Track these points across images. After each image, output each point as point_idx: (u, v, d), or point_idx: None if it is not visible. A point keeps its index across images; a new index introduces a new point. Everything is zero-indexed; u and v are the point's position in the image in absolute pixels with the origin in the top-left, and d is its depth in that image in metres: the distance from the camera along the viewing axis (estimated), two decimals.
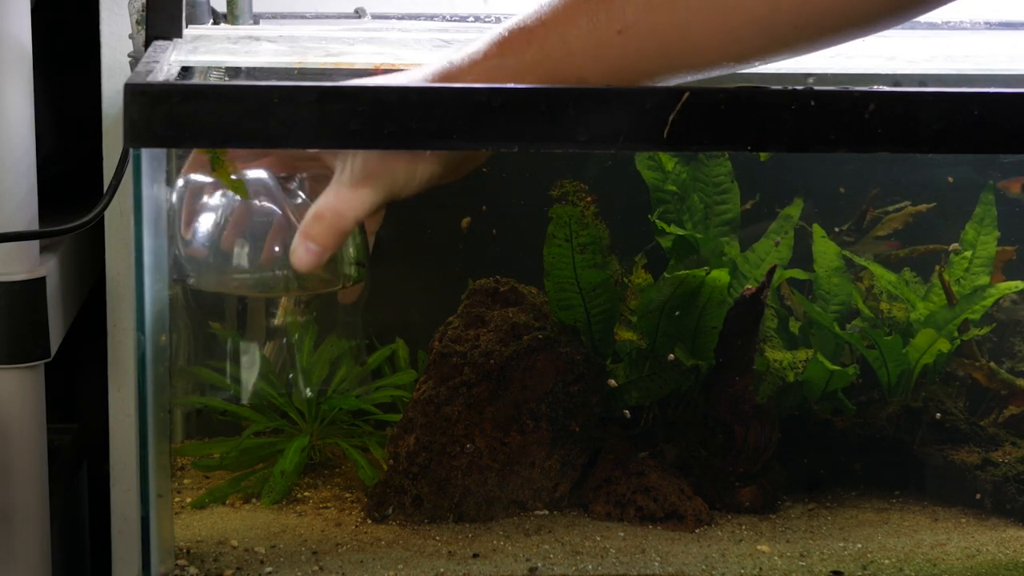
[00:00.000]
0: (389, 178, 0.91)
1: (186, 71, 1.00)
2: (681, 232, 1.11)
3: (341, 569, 1.00)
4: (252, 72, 1.05)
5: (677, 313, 1.11)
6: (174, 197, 0.95)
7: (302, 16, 1.28)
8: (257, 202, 0.96)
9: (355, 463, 1.13)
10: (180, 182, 0.95)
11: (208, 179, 0.95)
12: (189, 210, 0.95)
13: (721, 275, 1.10)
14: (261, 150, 0.97)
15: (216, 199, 0.95)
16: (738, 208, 1.15)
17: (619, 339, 1.12)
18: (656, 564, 1.02)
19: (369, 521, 1.07)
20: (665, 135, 0.82)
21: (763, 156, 1.13)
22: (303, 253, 0.91)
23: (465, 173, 0.97)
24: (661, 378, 1.12)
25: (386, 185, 0.91)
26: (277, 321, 1.04)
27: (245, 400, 1.10)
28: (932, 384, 1.16)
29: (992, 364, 1.16)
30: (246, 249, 0.96)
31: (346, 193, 0.91)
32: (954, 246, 1.17)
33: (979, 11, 1.27)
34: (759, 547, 1.05)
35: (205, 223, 0.95)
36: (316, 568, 1.00)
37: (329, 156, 0.94)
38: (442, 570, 1.00)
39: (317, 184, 0.95)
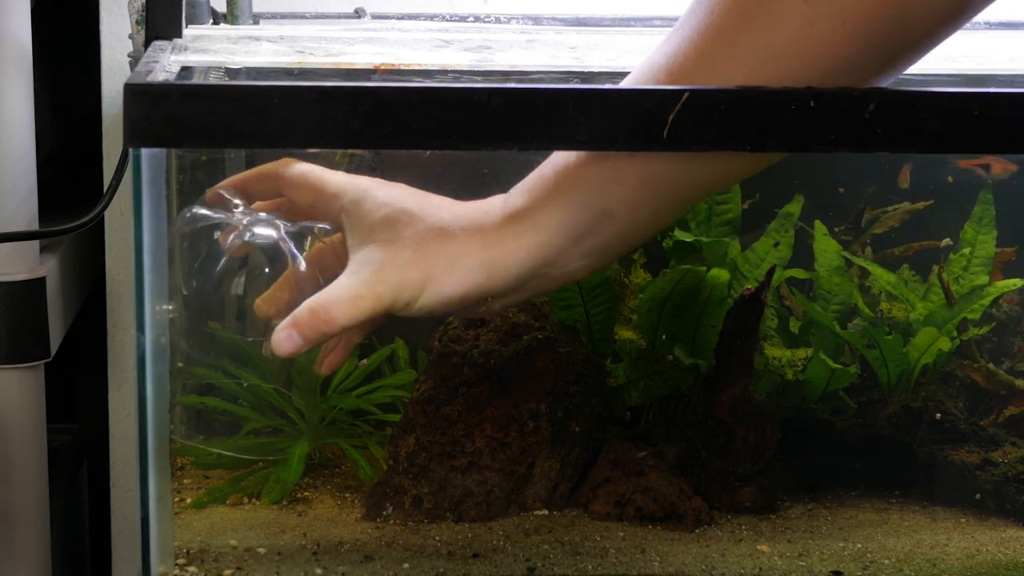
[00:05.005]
0: (395, 292, 0.91)
1: (186, 71, 1.00)
2: (689, 239, 1.11)
3: (341, 569, 1.00)
4: (252, 72, 1.05)
5: (668, 318, 1.11)
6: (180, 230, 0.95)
7: (302, 16, 1.28)
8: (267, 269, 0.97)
9: (355, 463, 1.13)
10: (189, 213, 0.96)
11: (215, 215, 0.96)
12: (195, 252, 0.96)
13: (721, 273, 1.10)
14: (278, 198, 0.98)
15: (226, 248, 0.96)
16: (739, 209, 1.15)
17: (619, 338, 1.12)
18: (656, 564, 1.02)
19: (369, 521, 1.07)
20: (665, 135, 0.82)
21: None
22: (284, 339, 0.91)
23: (477, 316, 0.96)
24: (661, 378, 1.12)
25: (389, 299, 0.91)
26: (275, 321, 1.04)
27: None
28: (932, 384, 1.16)
29: (990, 365, 1.16)
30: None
31: (345, 299, 0.91)
32: (946, 241, 1.17)
33: None
34: (759, 547, 1.05)
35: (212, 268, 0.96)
36: (316, 568, 1.00)
37: (354, 231, 0.94)
38: (442, 570, 1.00)
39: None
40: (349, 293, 0.91)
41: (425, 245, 0.92)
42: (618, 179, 0.89)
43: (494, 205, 0.93)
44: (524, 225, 0.91)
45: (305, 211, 0.97)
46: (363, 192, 0.94)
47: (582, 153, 0.89)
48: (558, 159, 0.90)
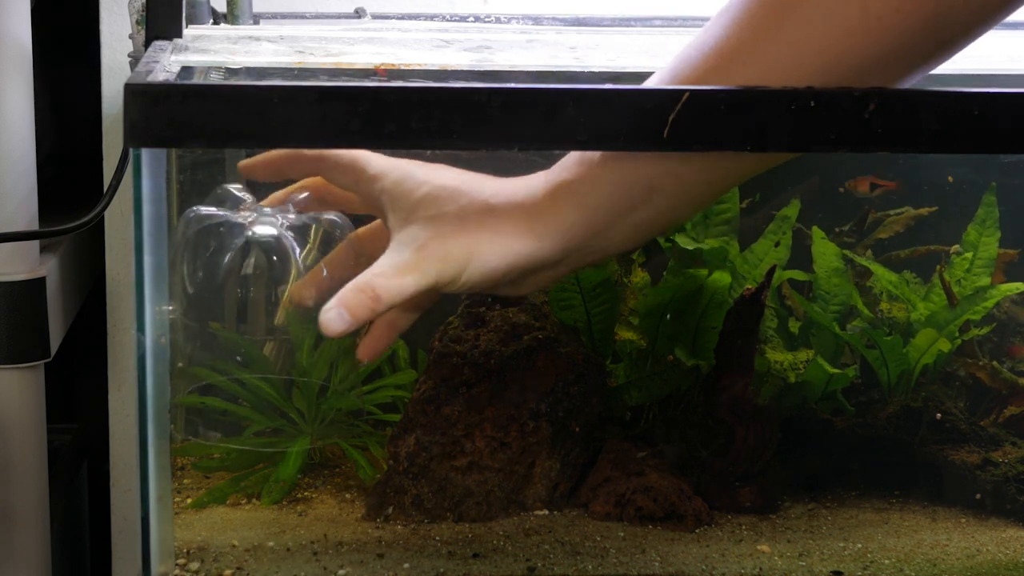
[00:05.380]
0: (439, 267, 0.90)
1: (186, 71, 1.00)
2: (694, 246, 1.11)
3: (341, 569, 1.00)
4: (252, 72, 1.05)
5: (669, 321, 1.11)
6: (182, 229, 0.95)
7: (302, 16, 1.28)
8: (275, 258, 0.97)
9: (355, 463, 1.13)
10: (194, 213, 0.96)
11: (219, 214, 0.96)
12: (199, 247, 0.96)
13: (722, 277, 1.10)
14: (305, 182, 0.98)
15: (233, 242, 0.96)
16: (737, 208, 1.15)
17: (619, 339, 1.12)
18: (656, 564, 1.02)
19: (369, 521, 1.07)
20: (665, 135, 0.82)
21: None
22: (335, 318, 0.90)
23: (527, 291, 0.95)
24: (661, 378, 1.12)
25: (434, 274, 0.90)
26: (277, 320, 1.04)
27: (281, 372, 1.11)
28: (932, 384, 1.16)
29: (995, 363, 1.16)
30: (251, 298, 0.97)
31: (389, 275, 0.90)
32: (955, 248, 1.17)
33: None
34: (759, 547, 1.05)
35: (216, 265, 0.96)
36: (316, 568, 1.00)
37: (396, 211, 0.93)
38: (442, 570, 1.00)
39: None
40: (394, 270, 0.91)
41: (468, 220, 0.92)
42: (665, 155, 0.88)
43: (536, 179, 0.93)
44: (569, 198, 0.91)
45: (342, 195, 0.97)
46: (404, 172, 0.94)
47: None
48: None
